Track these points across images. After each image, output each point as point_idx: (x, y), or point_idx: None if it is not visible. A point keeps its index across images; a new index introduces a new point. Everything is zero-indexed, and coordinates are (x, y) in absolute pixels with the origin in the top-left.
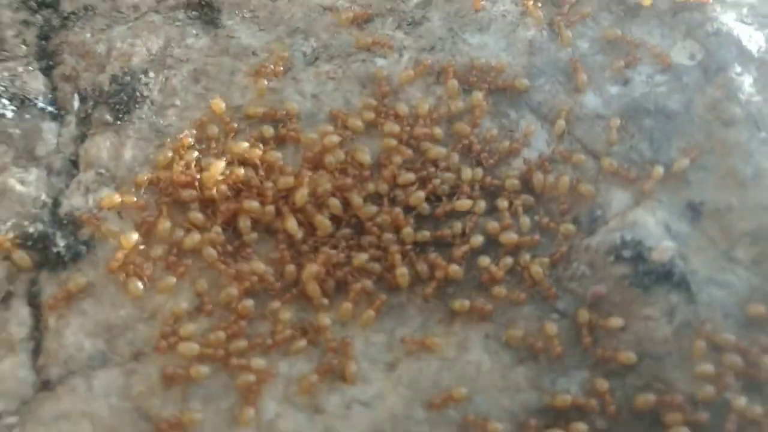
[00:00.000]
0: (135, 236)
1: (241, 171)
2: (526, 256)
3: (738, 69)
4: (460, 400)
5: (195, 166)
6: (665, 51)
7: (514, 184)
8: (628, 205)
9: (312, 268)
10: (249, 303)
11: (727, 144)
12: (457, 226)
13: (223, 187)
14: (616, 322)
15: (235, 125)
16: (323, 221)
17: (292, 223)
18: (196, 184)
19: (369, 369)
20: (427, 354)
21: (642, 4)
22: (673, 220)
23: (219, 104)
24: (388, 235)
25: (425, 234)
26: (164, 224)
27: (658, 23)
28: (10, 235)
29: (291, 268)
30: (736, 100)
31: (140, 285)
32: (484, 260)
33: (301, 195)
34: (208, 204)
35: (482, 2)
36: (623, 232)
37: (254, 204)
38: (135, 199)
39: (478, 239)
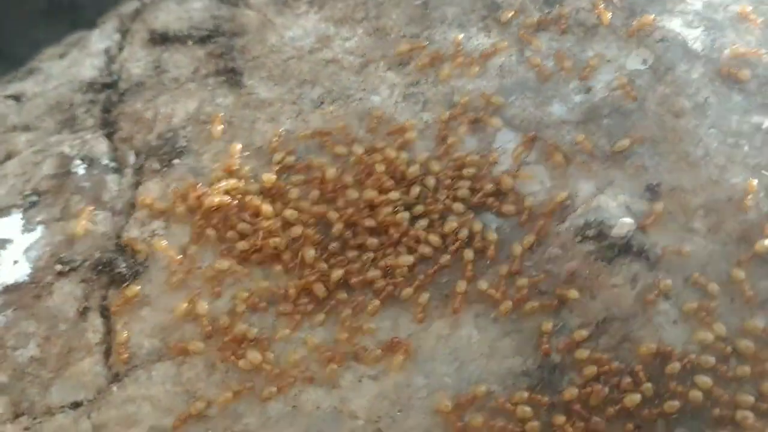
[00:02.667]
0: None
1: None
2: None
3: (684, 67)
4: None
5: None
6: (621, 61)
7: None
8: (592, 193)
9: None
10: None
11: (678, 131)
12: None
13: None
14: (573, 293)
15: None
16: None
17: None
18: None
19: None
20: (425, 333)
21: (601, 22)
22: (634, 201)
23: (235, 147)
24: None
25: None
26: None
27: (615, 38)
28: (86, 263)
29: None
30: (684, 94)
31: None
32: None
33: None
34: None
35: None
36: (588, 215)
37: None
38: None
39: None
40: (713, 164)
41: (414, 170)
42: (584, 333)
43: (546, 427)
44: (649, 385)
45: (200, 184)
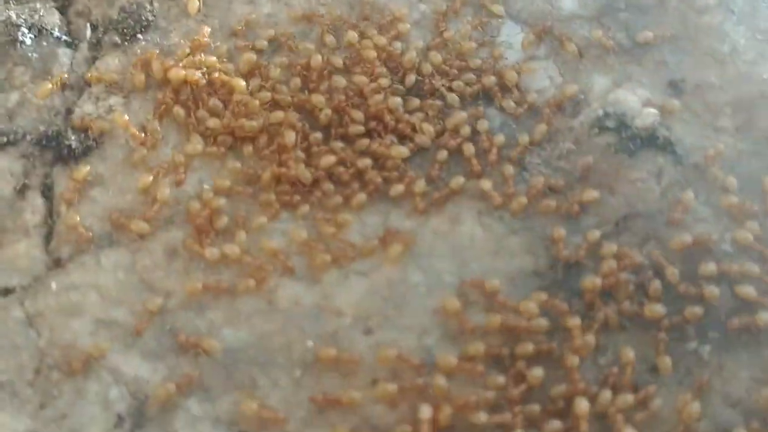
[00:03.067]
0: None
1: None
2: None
3: None
4: None
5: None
6: None
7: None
8: (609, 88)
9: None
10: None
11: (701, 28)
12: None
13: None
14: (590, 194)
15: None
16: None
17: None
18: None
19: (365, 245)
20: (421, 228)
21: None
22: (656, 96)
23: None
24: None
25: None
26: (178, 111)
27: None
28: (28, 137)
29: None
30: None
31: (150, 178)
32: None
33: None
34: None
35: None
36: (605, 108)
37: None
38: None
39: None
40: (741, 60)
41: (410, 57)
42: (597, 234)
43: (559, 328)
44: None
45: (167, 58)
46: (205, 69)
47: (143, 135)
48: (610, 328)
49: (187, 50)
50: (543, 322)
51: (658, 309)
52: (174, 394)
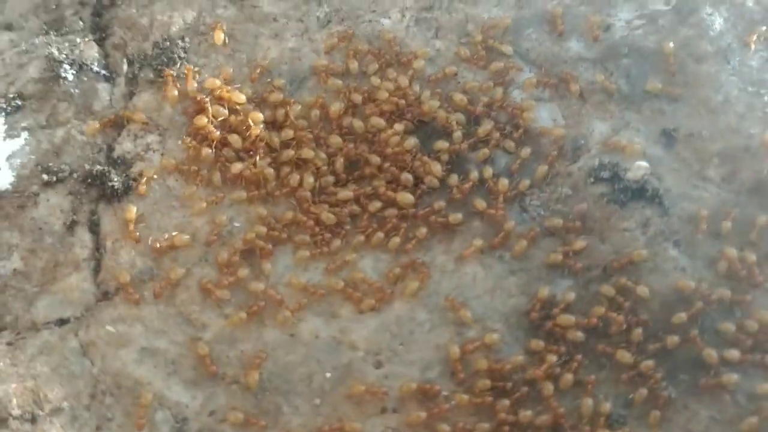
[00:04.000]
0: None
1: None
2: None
3: (709, 10)
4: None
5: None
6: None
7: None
8: (608, 135)
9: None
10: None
11: (698, 77)
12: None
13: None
14: (580, 244)
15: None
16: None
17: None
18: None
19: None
20: (428, 268)
21: None
22: (649, 145)
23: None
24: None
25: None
26: (206, 151)
27: None
28: (74, 175)
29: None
30: (707, 38)
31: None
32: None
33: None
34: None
35: None
36: (602, 156)
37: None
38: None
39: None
40: (732, 111)
41: (431, 106)
42: (572, 296)
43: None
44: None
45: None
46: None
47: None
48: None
49: (218, 83)
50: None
51: (626, 356)
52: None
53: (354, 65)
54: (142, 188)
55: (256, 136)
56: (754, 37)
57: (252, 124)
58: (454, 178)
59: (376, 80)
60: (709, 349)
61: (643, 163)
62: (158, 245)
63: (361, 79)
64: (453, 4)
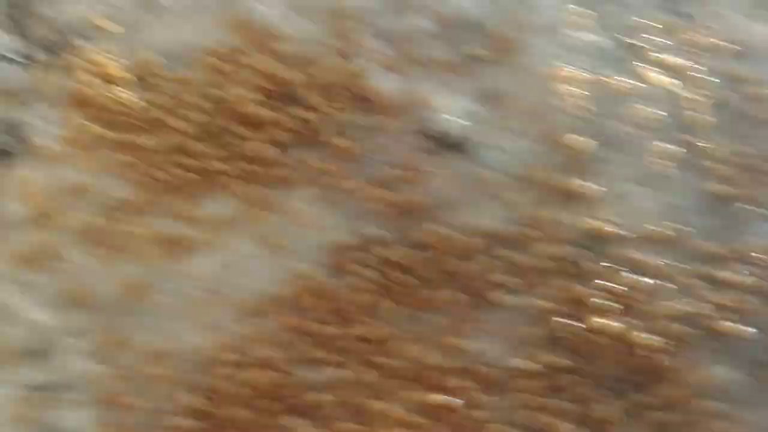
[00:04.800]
0: None
1: None
2: None
3: None
4: None
5: None
6: None
7: None
8: (428, 94)
9: None
10: None
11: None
12: None
13: None
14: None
15: None
16: None
17: None
18: None
19: None
20: None
21: None
22: (468, 103)
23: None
24: None
25: None
26: None
27: None
28: None
29: None
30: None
31: None
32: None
33: None
34: None
35: None
36: (423, 114)
37: None
38: None
39: None
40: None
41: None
42: None
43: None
44: None
45: None
46: None
47: None
48: None
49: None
50: None
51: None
52: None
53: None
54: None
55: None
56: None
57: None
58: None
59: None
60: None
61: (460, 120)
62: None
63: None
64: None
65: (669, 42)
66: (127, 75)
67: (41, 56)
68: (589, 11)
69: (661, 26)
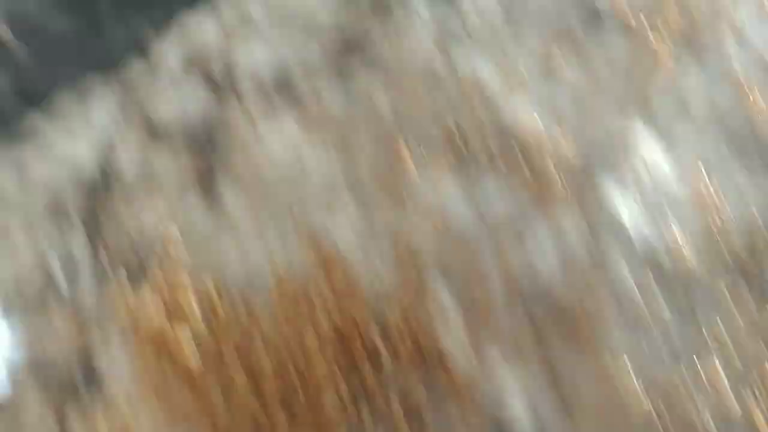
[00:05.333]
0: None
1: None
2: None
3: None
4: None
5: None
6: None
7: None
8: None
9: None
10: None
11: None
12: None
13: None
14: None
15: None
16: None
17: None
18: None
19: None
20: None
21: None
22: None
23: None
24: None
25: None
26: None
27: None
28: None
29: None
30: None
31: None
32: None
33: None
34: None
35: None
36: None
37: None
38: None
39: None
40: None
41: None
42: None
43: None
44: None
45: None
46: None
47: None
48: None
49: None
50: None
51: None
52: None
53: None
54: None
55: None
56: None
57: None
58: None
59: None
60: None
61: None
62: None
63: None
64: None
65: None
66: (196, 308)
67: (121, 275)
68: None
69: None
